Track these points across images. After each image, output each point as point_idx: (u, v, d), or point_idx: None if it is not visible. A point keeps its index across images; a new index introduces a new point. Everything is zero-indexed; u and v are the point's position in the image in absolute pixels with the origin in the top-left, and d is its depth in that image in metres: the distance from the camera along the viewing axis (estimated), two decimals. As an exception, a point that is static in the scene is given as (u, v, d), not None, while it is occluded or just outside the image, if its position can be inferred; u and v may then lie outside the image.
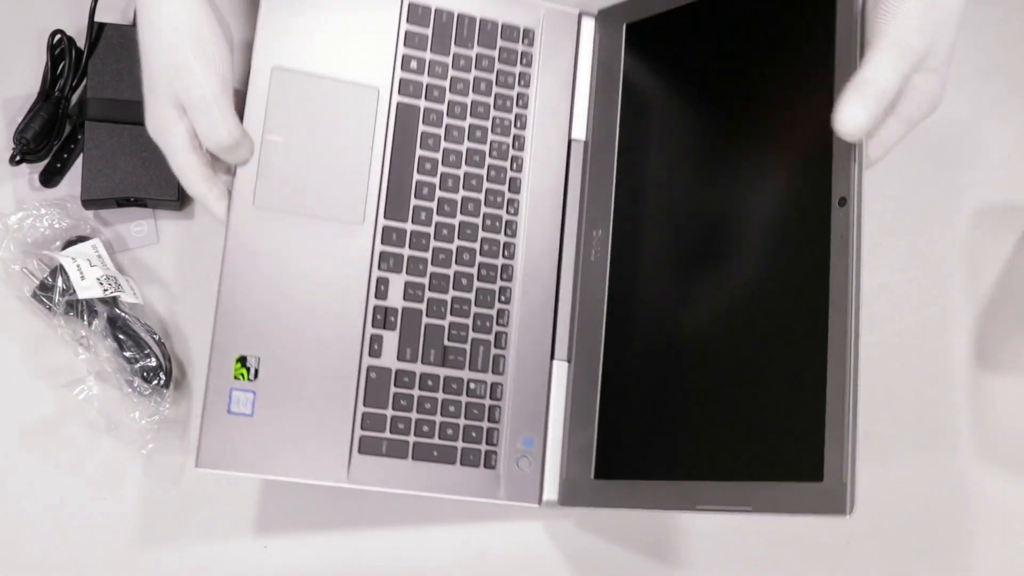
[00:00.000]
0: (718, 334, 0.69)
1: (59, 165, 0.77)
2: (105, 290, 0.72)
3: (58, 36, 0.77)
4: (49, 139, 0.76)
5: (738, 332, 0.68)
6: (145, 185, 0.75)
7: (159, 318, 0.76)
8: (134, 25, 0.75)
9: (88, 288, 0.72)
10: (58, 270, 0.73)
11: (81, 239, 0.75)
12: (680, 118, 0.75)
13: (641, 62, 0.77)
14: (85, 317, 0.73)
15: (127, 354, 0.73)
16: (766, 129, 0.69)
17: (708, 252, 0.71)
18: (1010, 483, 0.79)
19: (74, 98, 0.77)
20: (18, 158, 0.75)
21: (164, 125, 0.66)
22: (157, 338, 0.74)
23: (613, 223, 0.75)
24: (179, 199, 0.76)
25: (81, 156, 0.76)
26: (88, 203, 0.76)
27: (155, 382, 0.73)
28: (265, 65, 0.73)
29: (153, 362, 0.73)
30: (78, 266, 0.73)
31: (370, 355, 0.72)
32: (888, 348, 0.80)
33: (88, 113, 0.76)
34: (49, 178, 0.77)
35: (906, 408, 0.79)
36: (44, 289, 0.73)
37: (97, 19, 0.77)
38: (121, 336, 0.73)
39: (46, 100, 0.76)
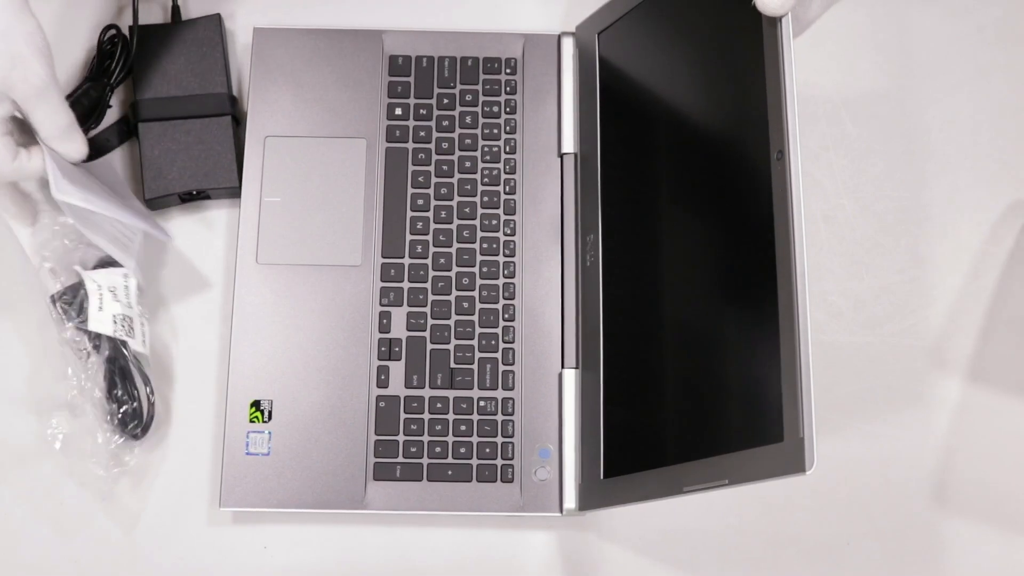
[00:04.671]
0: (687, 314, 0.69)
1: None
2: (115, 331, 0.72)
3: (111, 31, 0.79)
4: (86, 123, 0.77)
5: (703, 307, 0.68)
6: (204, 176, 0.77)
7: (158, 353, 0.76)
8: (172, 22, 0.81)
9: (100, 322, 0.72)
10: (81, 288, 0.72)
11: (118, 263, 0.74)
12: (647, 110, 0.76)
13: (613, 65, 0.79)
14: (89, 343, 0.73)
15: (116, 392, 0.73)
16: (710, 104, 0.70)
17: (674, 235, 0.71)
18: (1011, 482, 0.77)
19: (113, 101, 0.79)
20: None
21: None
22: (150, 390, 0.74)
23: (602, 225, 0.76)
24: (240, 186, 0.77)
25: (141, 157, 0.77)
26: (152, 202, 0.77)
27: (131, 426, 0.73)
28: (258, 135, 0.79)
29: (135, 409, 0.73)
30: (101, 295, 0.72)
31: (378, 386, 0.75)
32: (888, 348, 0.79)
33: (141, 115, 0.78)
34: None
35: (906, 408, 0.78)
36: (63, 298, 0.73)
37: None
38: (116, 378, 0.73)
39: (94, 82, 0.78)
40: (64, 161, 0.71)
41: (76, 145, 0.71)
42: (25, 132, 0.70)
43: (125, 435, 0.73)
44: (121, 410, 0.73)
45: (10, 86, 0.66)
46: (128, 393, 0.73)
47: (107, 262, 0.74)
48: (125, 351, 0.74)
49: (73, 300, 0.73)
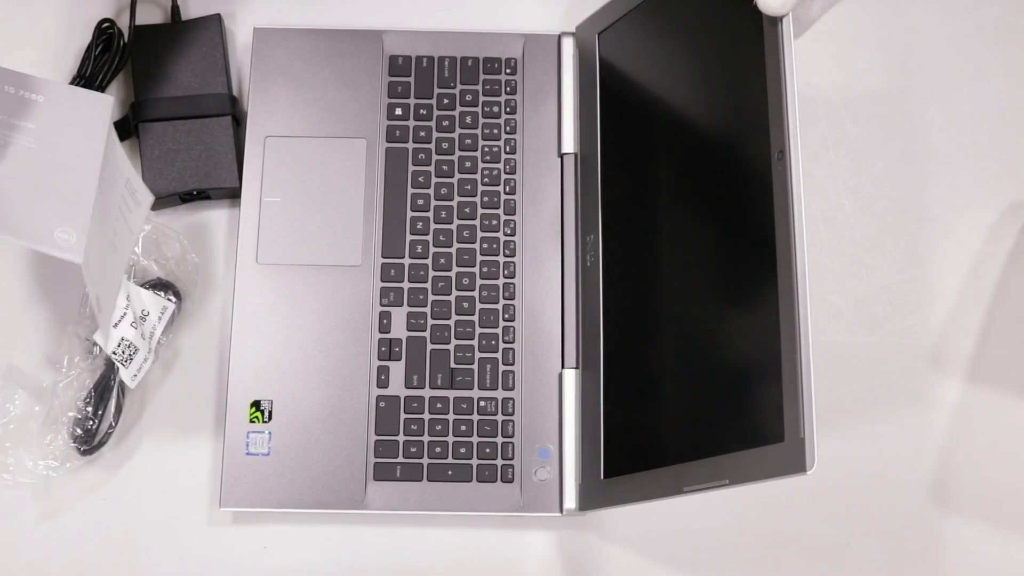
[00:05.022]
0: (687, 314, 0.69)
1: None
2: (114, 353, 0.71)
3: (107, 23, 0.79)
4: None
5: (703, 306, 0.68)
6: (204, 176, 0.77)
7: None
8: (172, 22, 0.81)
9: (107, 338, 0.71)
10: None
11: (169, 288, 0.75)
12: (647, 110, 0.76)
13: (613, 65, 0.79)
14: (95, 346, 0.72)
15: (88, 401, 0.72)
16: (711, 104, 0.70)
17: (674, 235, 0.71)
18: (1011, 482, 0.77)
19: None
20: None
21: None
22: (114, 420, 0.73)
23: (602, 225, 0.76)
24: (240, 186, 0.77)
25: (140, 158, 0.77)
26: (153, 202, 0.75)
27: (78, 439, 0.72)
28: (258, 135, 0.79)
29: (93, 427, 0.72)
30: (124, 314, 0.71)
31: (378, 386, 0.75)
32: (888, 348, 0.79)
33: (141, 115, 0.78)
34: None
35: (906, 408, 0.78)
36: None
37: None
38: (95, 391, 0.72)
39: (87, 85, 0.77)
40: None
41: None
42: None
43: (70, 443, 0.72)
44: (83, 422, 0.72)
45: None
46: (96, 410, 0.72)
47: (162, 284, 0.75)
48: (114, 374, 0.73)
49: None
